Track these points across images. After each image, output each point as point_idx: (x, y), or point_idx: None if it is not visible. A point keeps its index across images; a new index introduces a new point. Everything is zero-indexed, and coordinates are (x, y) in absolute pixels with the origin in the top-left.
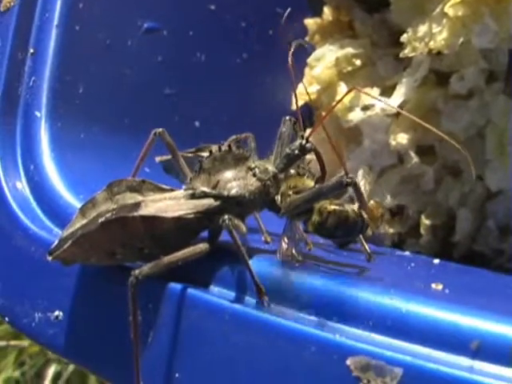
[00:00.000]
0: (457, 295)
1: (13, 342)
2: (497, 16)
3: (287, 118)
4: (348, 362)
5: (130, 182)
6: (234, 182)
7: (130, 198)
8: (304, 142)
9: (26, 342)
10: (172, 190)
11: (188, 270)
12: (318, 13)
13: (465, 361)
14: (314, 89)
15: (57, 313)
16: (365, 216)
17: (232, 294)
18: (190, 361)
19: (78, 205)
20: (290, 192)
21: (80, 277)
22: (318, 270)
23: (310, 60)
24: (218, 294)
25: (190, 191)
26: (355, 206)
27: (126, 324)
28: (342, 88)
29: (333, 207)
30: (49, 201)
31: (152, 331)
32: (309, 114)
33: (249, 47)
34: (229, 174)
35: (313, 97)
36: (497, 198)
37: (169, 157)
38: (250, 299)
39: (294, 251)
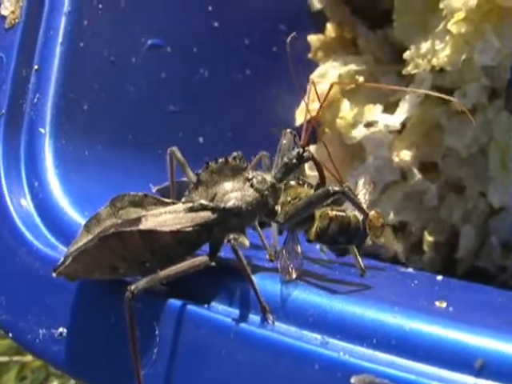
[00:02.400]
0: (461, 313)
1: (15, 358)
2: (500, 33)
3: (288, 130)
4: (352, 380)
5: (132, 196)
6: (232, 193)
7: (133, 212)
8: (301, 150)
9: (28, 358)
10: (174, 204)
11: (192, 287)
12: (320, 29)
13: (469, 379)
14: (317, 105)
15: (61, 329)
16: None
17: (236, 312)
18: (194, 378)
19: (82, 221)
20: (289, 199)
21: (84, 294)
22: (321, 288)
23: (313, 76)
24: (223, 312)
25: (189, 204)
26: (358, 213)
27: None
28: (345, 105)
29: (334, 213)
30: (53, 218)
31: (156, 348)
32: (312, 131)
33: (252, 63)
34: (226, 186)
35: (316, 113)
36: (499, 214)
37: (166, 184)
38: (254, 317)
39: (291, 266)
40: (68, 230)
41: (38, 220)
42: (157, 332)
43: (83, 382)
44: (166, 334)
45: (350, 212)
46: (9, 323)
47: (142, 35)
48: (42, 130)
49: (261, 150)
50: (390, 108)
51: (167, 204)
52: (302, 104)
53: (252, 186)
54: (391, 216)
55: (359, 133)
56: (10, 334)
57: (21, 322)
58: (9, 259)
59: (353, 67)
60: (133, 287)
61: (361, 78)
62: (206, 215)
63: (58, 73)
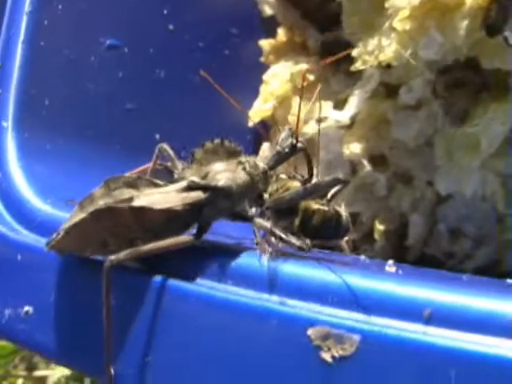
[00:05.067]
0: (409, 274)
1: None
2: (442, 28)
3: (287, 127)
4: (309, 332)
5: (127, 178)
6: (224, 173)
7: (127, 193)
8: (295, 141)
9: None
10: (166, 185)
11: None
12: (272, 34)
13: (419, 327)
14: (270, 105)
15: (27, 308)
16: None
17: (198, 280)
18: (161, 344)
19: (44, 208)
20: (276, 188)
21: (50, 272)
22: (278, 257)
23: (265, 77)
24: (185, 280)
25: (181, 182)
26: (342, 209)
27: (94, 315)
28: (297, 102)
29: (317, 206)
30: (17, 205)
31: (127, 322)
32: (266, 130)
33: (206, 65)
34: (219, 166)
35: (269, 113)
36: (447, 202)
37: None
38: (213, 283)
39: (269, 249)
40: (31, 215)
41: (1, 207)
42: (127, 304)
43: (51, 359)
44: (132, 304)
45: (332, 207)
46: None
47: (100, 36)
48: (4, 124)
49: None
50: (339, 105)
51: (160, 186)
52: (255, 105)
53: (244, 169)
54: (343, 208)
55: (311, 129)
56: None
57: None
58: None
59: (303, 67)
60: (113, 257)
61: (311, 77)
62: (197, 194)
63: (19, 70)
